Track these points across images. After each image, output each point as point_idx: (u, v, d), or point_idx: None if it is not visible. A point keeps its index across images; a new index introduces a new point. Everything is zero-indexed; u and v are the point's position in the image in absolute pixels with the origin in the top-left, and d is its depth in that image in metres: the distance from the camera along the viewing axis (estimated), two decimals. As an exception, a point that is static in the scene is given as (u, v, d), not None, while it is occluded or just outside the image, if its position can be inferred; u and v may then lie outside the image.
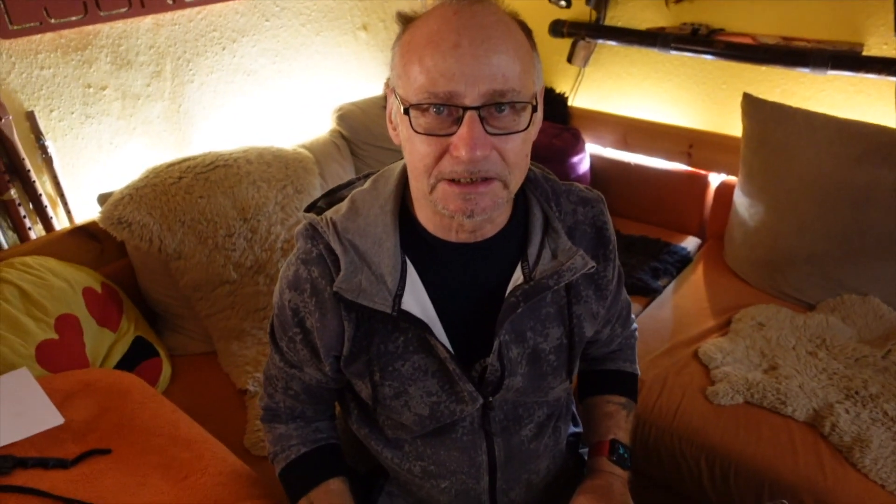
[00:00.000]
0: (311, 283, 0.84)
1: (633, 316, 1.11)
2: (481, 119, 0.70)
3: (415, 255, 0.84)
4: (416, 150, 0.74)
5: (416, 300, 0.83)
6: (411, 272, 0.83)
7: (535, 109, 0.74)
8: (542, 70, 0.79)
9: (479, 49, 0.69)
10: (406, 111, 0.73)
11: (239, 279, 1.69)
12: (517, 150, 0.73)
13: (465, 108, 0.69)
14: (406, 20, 0.76)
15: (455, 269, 0.85)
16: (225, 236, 1.67)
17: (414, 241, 0.84)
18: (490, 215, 0.77)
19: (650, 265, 2.02)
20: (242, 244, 1.69)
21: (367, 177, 0.93)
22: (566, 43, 2.36)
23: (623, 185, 2.34)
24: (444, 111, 0.70)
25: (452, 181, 0.72)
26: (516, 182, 0.77)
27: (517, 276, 0.85)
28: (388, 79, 0.79)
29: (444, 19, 0.71)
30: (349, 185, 0.95)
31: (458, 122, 0.70)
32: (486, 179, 0.72)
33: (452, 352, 0.84)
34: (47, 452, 1.09)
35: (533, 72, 0.75)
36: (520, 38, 0.73)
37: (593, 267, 0.86)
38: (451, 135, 0.71)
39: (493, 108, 0.70)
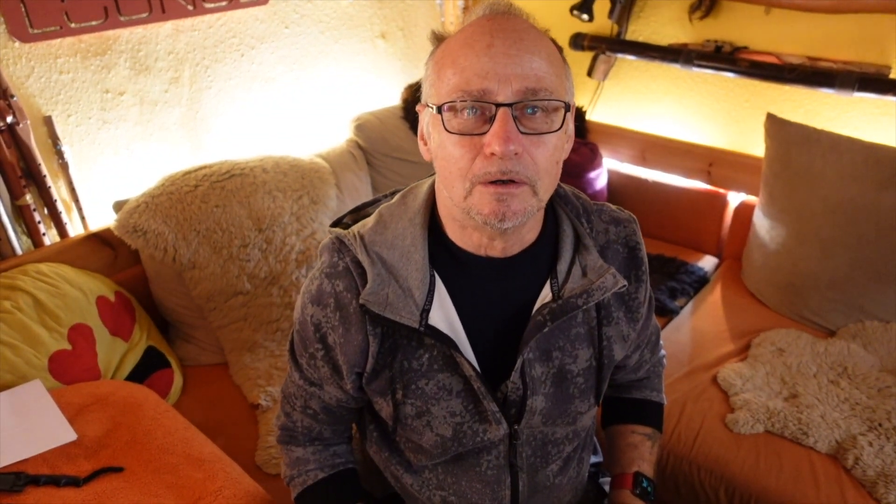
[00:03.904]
0: (335, 297, 0.82)
1: (661, 342, 1.09)
2: (514, 118, 0.70)
3: (443, 270, 0.82)
4: (449, 155, 0.73)
5: (444, 316, 0.82)
6: (439, 287, 0.82)
7: (567, 109, 0.74)
8: (574, 88, 0.79)
9: (511, 49, 0.70)
10: (439, 110, 0.73)
11: (252, 290, 1.67)
12: (548, 154, 0.73)
13: (498, 105, 0.70)
14: (440, 38, 0.78)
15: (484, 285, 0.83)
16: (240, 246, 1.65)
17: (442, 256, 0.82)
18: (521, 221, 0.74)
19: (667, 284, 1.99)
20: (257, 255, 1.67)
21: (393, 194, 0.91)
22: (586, 56, 2.34)
23: (640, 202, 2.31)
24: (477, 110, 0.71)
25: (487, 183, 0.72)
26: (545, 190, 0.75)
27: (545, 294, 0.84)
28: (420, 96, 0.80)
29: (478, 25, 0.73)
30: (375, 202, 0.94)
31: (491, 120, 0.71)
32: (517, 182, 0.72)
33: (479, 370, 0.82)
34: (59, 469, 1.07)
35: (565, 80, 0.76)
36: (552, 48, 0.75)
37: (624, 286, 0.84)
38: (483, 133, 0.71)
39: (526, 107, 0.71)
